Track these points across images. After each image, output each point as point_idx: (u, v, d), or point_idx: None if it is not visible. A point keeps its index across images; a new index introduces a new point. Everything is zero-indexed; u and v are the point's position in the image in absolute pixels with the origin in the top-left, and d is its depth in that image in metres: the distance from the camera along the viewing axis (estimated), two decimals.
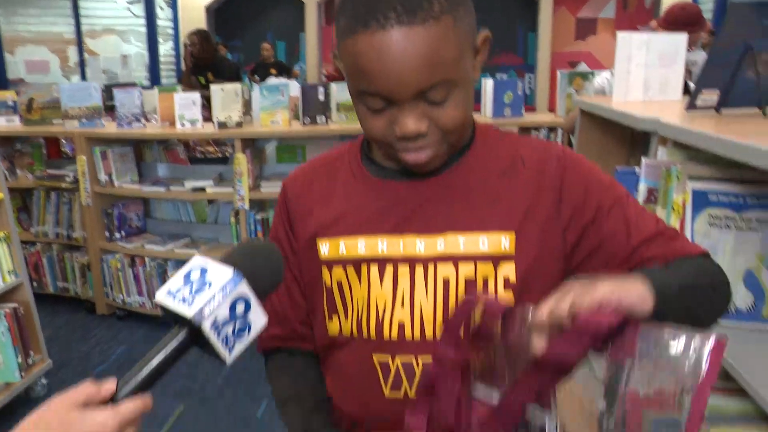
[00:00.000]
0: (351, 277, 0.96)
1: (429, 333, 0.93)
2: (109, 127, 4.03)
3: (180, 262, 3.99)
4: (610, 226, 0.95)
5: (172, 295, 0.72)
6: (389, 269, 0.94)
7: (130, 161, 4.08)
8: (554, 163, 0.97)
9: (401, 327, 0.94)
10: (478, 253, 0.93)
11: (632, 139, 2.45)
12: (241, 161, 3.62)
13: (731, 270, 1.38)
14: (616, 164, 2.35)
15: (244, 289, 0.72)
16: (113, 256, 4.11)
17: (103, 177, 3.97)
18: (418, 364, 0.94)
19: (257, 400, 3.20)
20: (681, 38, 2.19)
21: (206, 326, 0.70)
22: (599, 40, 10.04)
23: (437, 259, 0.93)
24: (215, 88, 3.72)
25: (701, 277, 0.93)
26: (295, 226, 1.03)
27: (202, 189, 3.83)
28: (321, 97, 3.77)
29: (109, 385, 0.70)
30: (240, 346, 0.73)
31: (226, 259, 0.75)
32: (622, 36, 2.22)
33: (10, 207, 3.19)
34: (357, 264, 0.96)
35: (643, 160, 1.57)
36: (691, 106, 1.66)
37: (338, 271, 0.97)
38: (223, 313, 0.71)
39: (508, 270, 0.94)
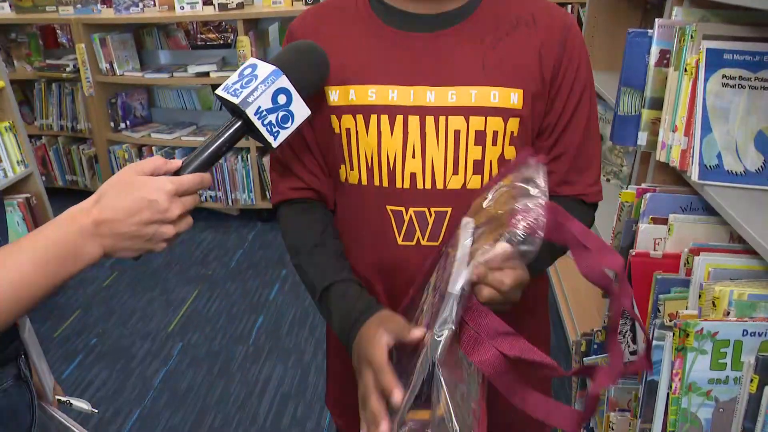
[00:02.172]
0: (359, 126, 0.96)
1: (440, 184, 0.94)
2: (105, 13, 3.92)
3: (188, 150, 3.99)
4: (572, 127, 0.99)
5: (227, 88, 0.84)
6: (399, 119, 0.93)
7: (130, 48, 3.99)
8: (563, 31, 0.96)
9: (413, 177, 0.94)
10: (489, 106, 0.92)
11: (645, 7, 2.35)
12: (245, 44, 3.53)
13: (743, 131, 1.36)
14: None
15: (284, 81, 0.83)
16: (120, 146, 4.10)
17: (104, 66, 3.90)
18: (430, 214, 0.95)
19: (269, 285, 3.28)
20: None
21: (250, 112, 0.81)
22: None
23: (448, 111, 0.92)
24: None
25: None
26: None
27: (206, 74, 3.76)
28: None
29: (175, 162, 0.81)
30: (284, 133, 0.85)
31: (273, 59, 0.86)
32: None
33: (13, 96, 3.15)
34: (367, 112, 0.95)
35: (657, 21, 1.50)
36: None
37: (347, 119, 0.97)
38: (266, 102, 0.82)
39: (514, 126, 0.95)
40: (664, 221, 1.40)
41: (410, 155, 0.94)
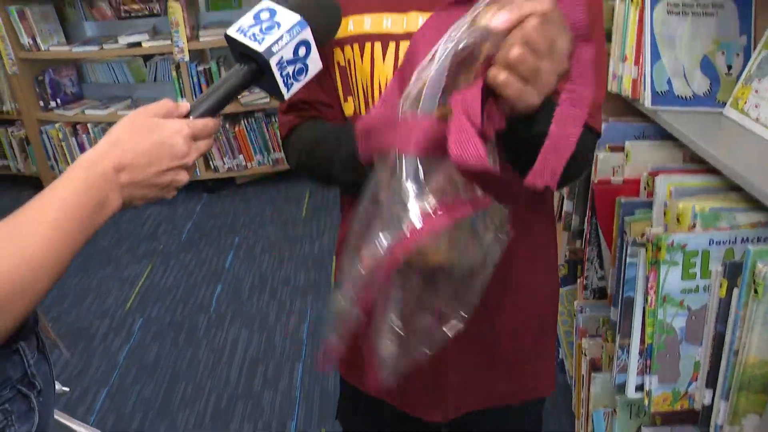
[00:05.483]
0: (356, 55, 0.95)
1: None
2: None
3: None
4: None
5: (243, 31, 0.78)
6: (392, 46, 0.92)
7: (53, 21, 3.81)
8: None
9: None
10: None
11: None
12: (176, 10, 3.42)
13: (689, 57, 1.41)
14: None
15: (308, 34, 0.80)
16: (52, 126, 3.94)
17: (25, 40, 3.72)
18: None
19: (223, 253, 3.25)
20: None
21: (273, 62, 0.78)
22: None
23: None
24: None
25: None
26: None
27: (138, 44, 3.64)
28: None
29: (185, 105, 0.79)
30: (297, 86, 0.82)
31: (292, 6, 0.81)
32: None
33: None
34: (361, 41, 0.94)
35: None
36: None
37: (348, 50, 0.96)
38: (288, 53, 0.79)
39: None
40: (621, 149, 1.45)
41: None
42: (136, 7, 5.23)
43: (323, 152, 0.96)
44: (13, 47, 3.72)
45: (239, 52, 0.80)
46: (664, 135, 1.42)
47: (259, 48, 0.77)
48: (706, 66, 1.43)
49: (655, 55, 1.41)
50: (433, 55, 0.68)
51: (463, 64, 0.67)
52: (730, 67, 1.41)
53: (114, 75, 4.07)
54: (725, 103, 1.36)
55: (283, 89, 0.81)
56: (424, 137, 0.68)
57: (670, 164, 1.37)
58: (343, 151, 0.91)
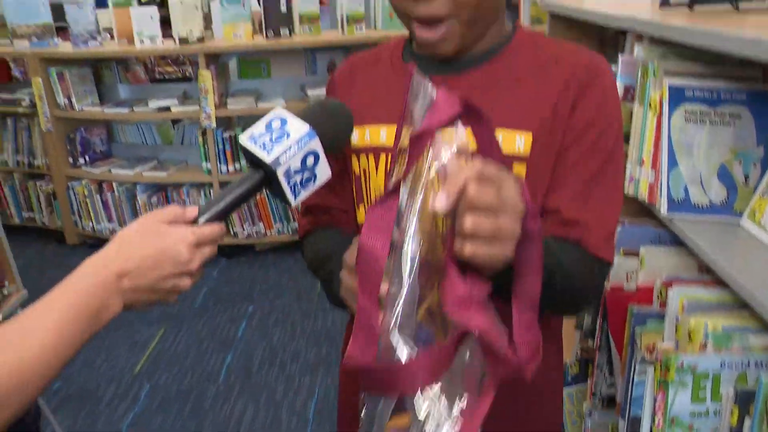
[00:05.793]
0: (371, 166, 0.97)
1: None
2: (63, 47, 3.86)
3: (149, 186, 3.94)
4: (587, 164, 0.91)
5: (254, 139, 0.81)
6: None
7: (89, 83, 3.94)
8: (587, 71, 0.92)
9: None
10: None
11: (601, 41, 2.42)
12: (206, 78, 3.52)
13: (707, 165, 1.40)
14: None
15: (317, 145, 0.81)
16: (79, 182, 4.02)
17: (62, 100, 3.84)
18: None
19: (236, 321, 3.24)
20: None
21: (280, 172, 0.80)
22: None
23: None
24: (174, 1, 3.56)
25: (575, 278, 0.87)
26: None
27: (167, 108, 3.73)
28: (283, 8, 3.65)
29: (192, 210, 0.81)
30: (305, 193, 0.84)
31: (304, 115, 0.83)
32: None
33: None
34: (377, 153, 0.96)
35: (620, 57, 1.56)
36: (664, 3, 1.64)
37: (363, 159, 0.98)
38: (296, 163, 0.81)
39: (520, 171, 0.91)
40: (635, 253, 1.43)
41: None
42: (170, 69, 5.41)
43: (326, 272, 0.97)
44: (50, 106, 3.84)
45: (250, 158, 0.82)
46: (680, 241, 1.41)
47: (267, 159, 0.79)
48: (724, 175, 1.42)
49: (672, 162, 1.41)
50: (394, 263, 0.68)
51: (427, 264, 0.69)
52: (747, 177, 1.40)
53: (143, 136, 4.17)
54: (743, 213, 1.35)
55: (291, 197, 0.82)
56: (430, 372, 0.67)
57: (684, 273, 1.35)
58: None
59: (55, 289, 0.74)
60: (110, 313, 0.76)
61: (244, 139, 0.82)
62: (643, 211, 1.53)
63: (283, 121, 0.82)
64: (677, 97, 1.42)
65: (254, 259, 3.96)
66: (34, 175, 4.25)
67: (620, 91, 1.56)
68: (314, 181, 0.84)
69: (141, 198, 3.93)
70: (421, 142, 0.66)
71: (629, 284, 1.40)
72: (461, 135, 0.66)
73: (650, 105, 1.45)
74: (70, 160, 4.01)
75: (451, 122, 0.66)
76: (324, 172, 0.84)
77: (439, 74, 0.93)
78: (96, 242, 4.12)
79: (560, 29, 2.37)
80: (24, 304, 3.29)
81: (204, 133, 3.70)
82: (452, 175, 0.62)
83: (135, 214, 3.95)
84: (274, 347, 3.00)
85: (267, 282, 3.65)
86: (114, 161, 4.07)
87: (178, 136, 4.13)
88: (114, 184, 3.96)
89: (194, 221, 0.81)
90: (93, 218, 4.05)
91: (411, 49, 1.01)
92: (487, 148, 0.69)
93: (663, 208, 1.39)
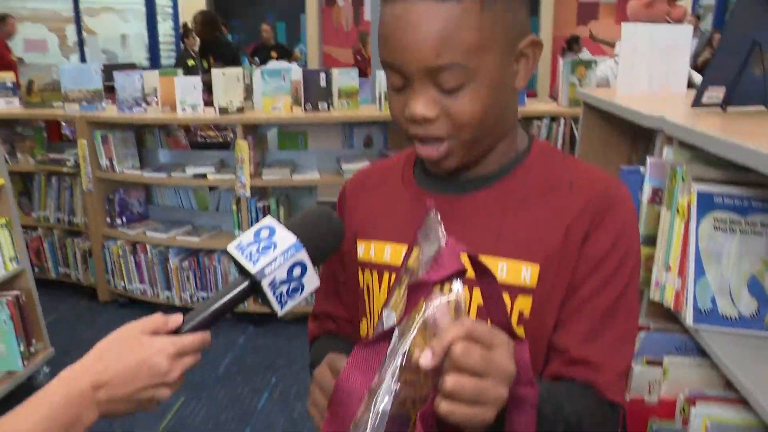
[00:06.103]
0: (374, 282, 0.96)
1: None
2: (109, 111, 4.00)
3: (182, 250, 3.99)
4: (599, 299, 0.87)
5: (242, 249, 0.82)
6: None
7: (131, 146, 4.06)
8: (603, 200, 0.89)
9: None
10: None
11: (634, 133, 2.42)
12: (243, 148, 3.59)
13: (736, 275, 1.37)
14: (618, 157, 2.34)
15: (303, 256, 0.82)
16: (115, 242, 4.10)
17: (104, 162, 3.96)
18: None
19: (258, 392, 3.21)
20: (686, 29, 2.16)
21: (265, 284, 0.80)
22: (601, 24, 9.99)
23: None
24: (216, 72, 3.68)
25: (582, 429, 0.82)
26: (345, 225, 1.01)
27: (203, 176, 3.81)
28: (323, 83, 3.74)
29: (176, 319, 0.81)
30: (292, 303, 0.83)
31: (292, 226, 0.84)
32: (627, 27, 2.18)
33: (12, 193, 3.18)
34: (380, 270, 0.96)
35: (648, 159, 1.55)
36: (697, 103, 1.64)
37: (367, 275, 0.98)
38: (281, 274, 0.80)
39: (524, 305, 0.87)
40: (659, 363, 1.39)
41: None
42: (211, 134, 5.56)
43: None
44: (93, 167, 3.95)
45: (238, 266, 0.83)
46: (705, 352, 1.36)
47: (252, 269, 0.80)
48: (754, 286, 1.37)
49: (699, 271, 1.38)
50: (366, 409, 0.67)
51: (399, 417, 0.68)
52: None
53: (180, 200, 4.25)
54: None
55: (276, 307, 0.82)
56: None
57: (709, 387, 1.31)
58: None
59: (31, 398, 0.75)
60: (84, 425, 0.76)
61: (231, 247, 0.83)
62: (669, 315, 1.49)
63: (272, 231, 0.83)
64: (706, 203, 1.39)
65: (281, 328, 3.94)
66: (73, 233, 4.34)
67: (648, 194, 1.54)
68: (301, 291, 0.83)
69: (173, 262, 3.97)
70: (417, 294, 0.66)
71: (651, 396, 1.35)
72: (458, 291, 0.65)
73: (678, 210, 1.43)
74: (108, 219, 4.10)
75: (451, 278, 0.65)
76: (312, 282, 0.84)
77: (445, 193, 0.93)
78: (126, 301, 4.17)
79: (594, 118, 2.37)
80: (50, 361, 3.33)
81: (238, 202, 3.76)
82: (441, 331, 0.62)
83: (166, 277, 4.00)
84: (295, 421, 2.95)
85: (292, 353, 3.62)
86: (150, 223, 4.15)
87: (213, 201, 4.20)
88: (148, 246, 4.02)
89: (177, 330, 0.81)
90: (125, 278, 4.10)
91: (422, 165, 0.99)
92: (491, 305, 0.69)
93: (689, 318, 1.35)
